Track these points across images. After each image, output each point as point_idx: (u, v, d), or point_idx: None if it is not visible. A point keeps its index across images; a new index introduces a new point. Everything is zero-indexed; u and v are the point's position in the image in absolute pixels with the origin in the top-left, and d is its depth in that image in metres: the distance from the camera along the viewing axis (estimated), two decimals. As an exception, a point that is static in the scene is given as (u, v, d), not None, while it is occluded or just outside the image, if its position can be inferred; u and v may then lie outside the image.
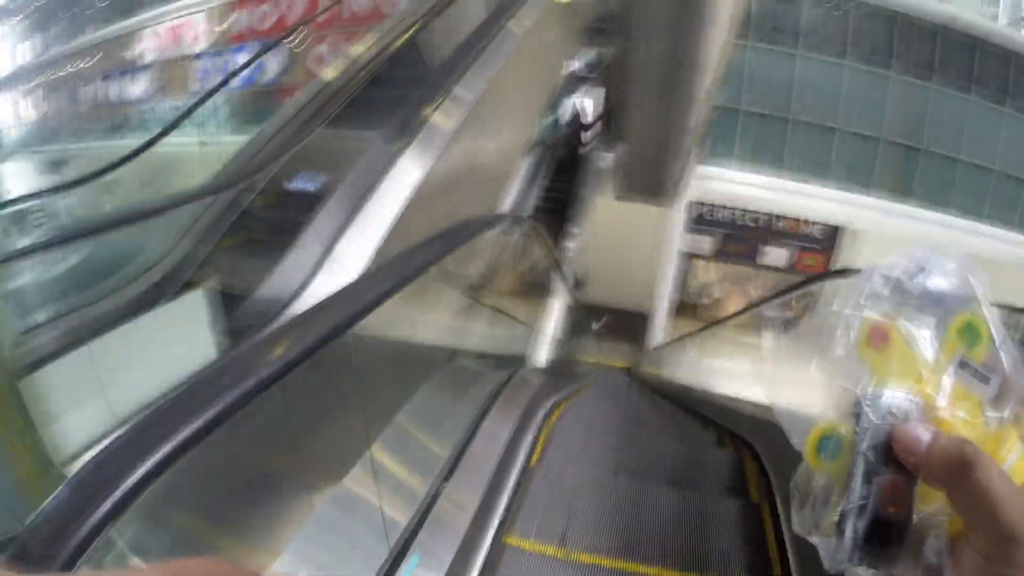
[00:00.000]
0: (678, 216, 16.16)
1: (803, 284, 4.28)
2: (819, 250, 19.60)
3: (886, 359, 0.45)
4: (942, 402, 0.43)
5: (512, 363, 5.13)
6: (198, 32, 15.94)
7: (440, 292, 3.32)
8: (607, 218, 17.88)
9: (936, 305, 0.46)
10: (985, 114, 17.53)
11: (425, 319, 3.28)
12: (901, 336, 0.45)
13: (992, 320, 0.45)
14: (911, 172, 17.53)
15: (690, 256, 19.89)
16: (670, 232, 16.47)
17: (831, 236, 19.36)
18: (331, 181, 4.11)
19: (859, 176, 17.22)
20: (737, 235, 19.66)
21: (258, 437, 1.62)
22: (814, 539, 0.45)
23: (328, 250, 3.52)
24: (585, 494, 3.01)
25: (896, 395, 0.43)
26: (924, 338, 0.45)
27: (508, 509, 2.86)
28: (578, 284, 14.26)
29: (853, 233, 19.01)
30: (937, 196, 17.50)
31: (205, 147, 5.39)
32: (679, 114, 10.21)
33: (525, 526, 2.79)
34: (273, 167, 4.31)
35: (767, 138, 17.08)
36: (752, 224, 19.48)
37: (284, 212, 4.56)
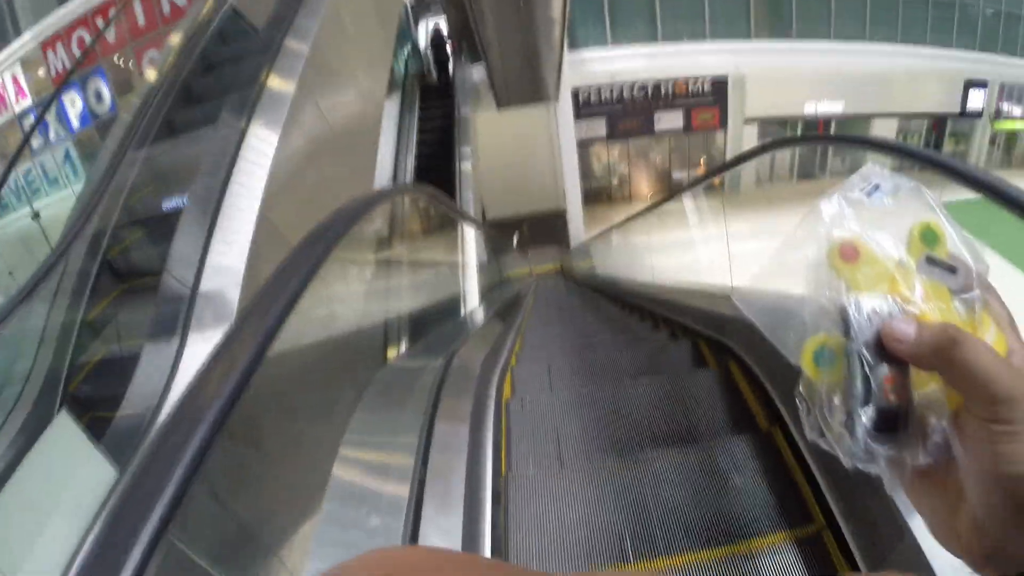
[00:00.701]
0: (565, 108, 15.62)
1: (729, 166, 3.90)
2: (711, 103, 19.72)
3: (859, 269, 0.47)
4: (917, 297, 0.46)
5: (450, 309, 4.93)
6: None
7: (349, 277, 2.87)
8: (495, 130, 17.43)
9: (895, 216, 0.49)
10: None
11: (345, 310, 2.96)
12: (869, 247, 0.48)
13: (947, 221, 0.48)
14: (786, 6, 17.26)
15: (587, 143, 19.59)
16: (562, 126, 15.96)
17: (720, 88, 19.35)
18: (180, 200, 3.55)
19: (735, 22, 16.88)
20: (628, 110, 19.50)
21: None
22: (827, 441, 0.47)
23: (196, 287, 2.95)
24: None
25: (875, 297, 0.46)
26: (890, 245, 0.48)
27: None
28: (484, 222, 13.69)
29: (739, 80, 19.02)
30: (816, 27, 17.38)
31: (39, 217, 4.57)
32: (540, 9, 9.54)
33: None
34: (101, 208, 3.62)
35: (634, 5, 16.42)
36: (641, 95, 19.33)
37: (145, 251, 3.95)
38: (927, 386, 0.45)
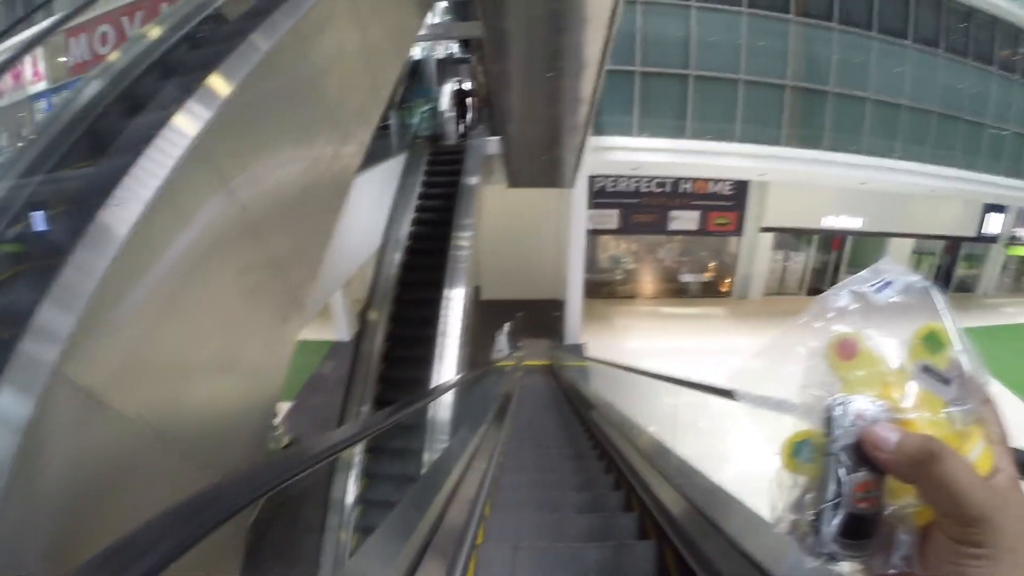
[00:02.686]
0: (580, 194, 14.53)
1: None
2: (729, 208, 18.87)
3: (854, 368, 0.48)
4: (908, 404, 0.46)
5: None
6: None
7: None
8: (502, 206, 16.47)
9: (901, 317, 0.49)
10: (889, 50, 16.78)
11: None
12: (868, 346, 0.48)
13: (953, 328, 0.48)
14: (818, 116, 16.56)
15: (596, 233, 18.64)
16: (572, 212, 14.84)
17: (740, 192, 18.57)
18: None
19: (766, 127, 16.10)
20: (643, 204, 18.59)
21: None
22: (792, 537, 0.47)
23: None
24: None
25: (863, 400, 0.46)
26: (890, 347, 0.48)
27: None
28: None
29: (761, 186, 18.27)
30: (848, 140, 16.75)
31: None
32: (570, 82, 8.51)
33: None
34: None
35: (666, 98, 15.62)
36: (658, 190, 18.48)
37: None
38: (902, 497, 0.45)
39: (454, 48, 18.68)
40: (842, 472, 0.45)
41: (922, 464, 0.41)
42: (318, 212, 3.21)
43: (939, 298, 0.48)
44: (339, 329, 15.56)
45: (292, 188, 2.77)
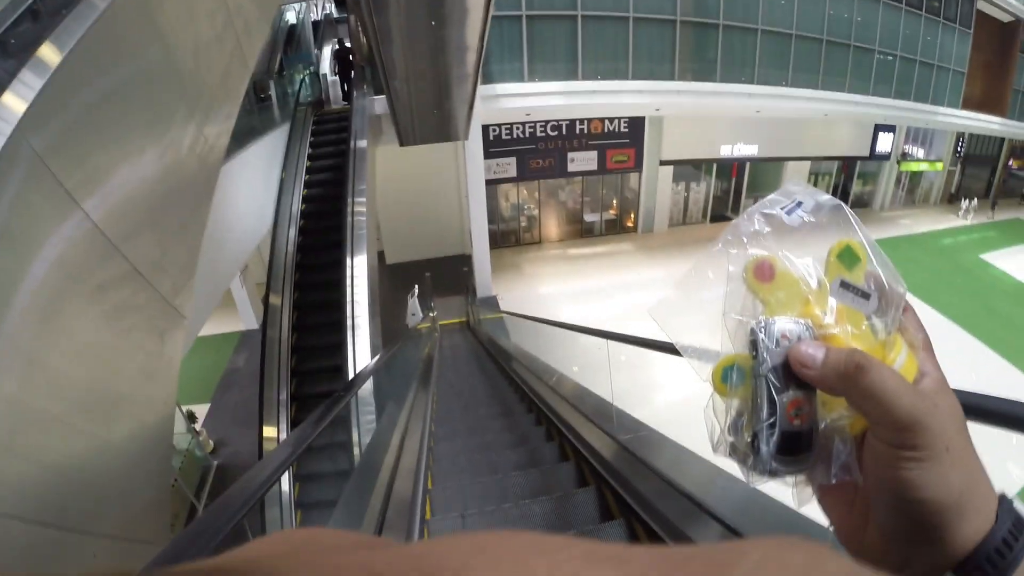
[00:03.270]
0: (475, 145, 14.18)
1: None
2: (626, 145, 18.94)
3: (774, 290, 0.47)
4: (830, 320, 0.46)
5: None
6: None
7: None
8: (397, 166, 16.01)
9: (815, 235, 0.49)
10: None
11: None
12: (785, 267, 0.48)
13: (866, 242, 0.48)
14: (710, 50, 16.77)
15: (495, 182, 18.40)
16: (469, 164, 14.49)
17: (637, 129, 18.64)
18: None
19: (658, 63, 16.15)
20: (540, 149, 18.41)
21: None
22: (732, 460, 0.48)
23: None
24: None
25: (786, 321, 0.46)
26: (807, 266, 0.48)
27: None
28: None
29: (657, 121, 18.43)
30: (740, 72, 17.05)
31: None
32: (455, 31, 8.12)
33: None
34: None
35: (555, 41, 15.38)
36: (554, 134, 18.31)
37: None
38: (835, 410, 0.46)
39: (330, 8, 18.01)
40: (773, 392, 0.45)
41: (849, 377, 0.42)
42: (184, 204, 2.81)
43: (850, 214, 0.49)
44: (245, 317, 14.77)
45: (147, 181, 2.38)
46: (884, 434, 0.41)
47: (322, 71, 13.86)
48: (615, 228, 20.91)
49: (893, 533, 0.42)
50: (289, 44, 14.99)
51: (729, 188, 22.03)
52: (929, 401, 0.42)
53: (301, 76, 13.14)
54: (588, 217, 20.73)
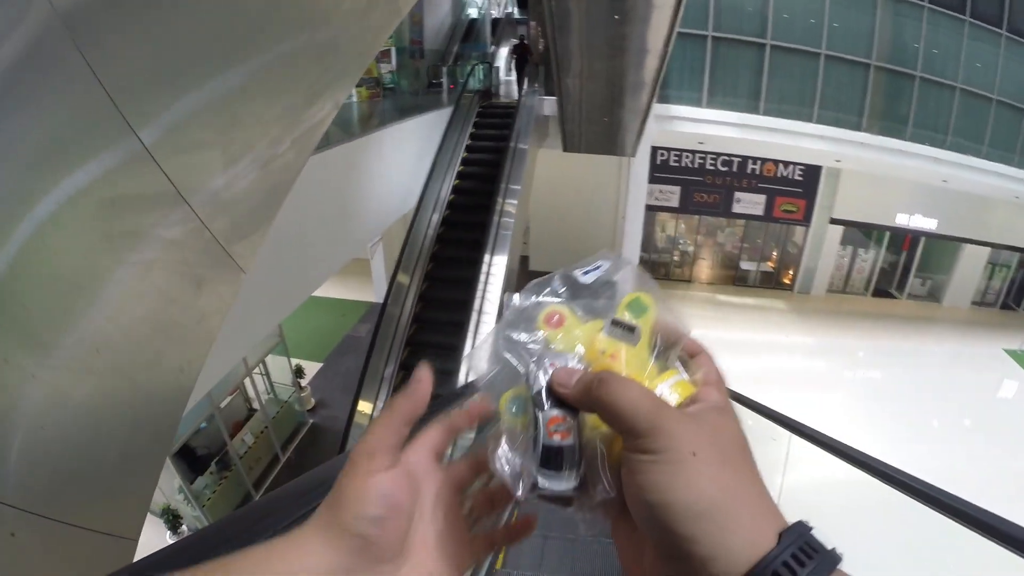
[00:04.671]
0: (640, 166, 13.54)
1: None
2: (798, 194, 17.54)
3: (560, 332, 0.53)
4: (599, 351, 0.51)
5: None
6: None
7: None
8: (556, 173, 15.57)
9: (609, 291, 0.55)
10: (981, 37, 15.15)
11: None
12: (573, 315, 0.54)
13: (657, 295, 0.54)
14: (902, 103, 15.16)
15: (655, 209, 17.57)
16: (632, 184, 13.90)
17: (811, 178, 17.19)
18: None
19: (845, 109, 14.79)
20: (707, 183, 17.46)
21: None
22: (509, 478, 0.50)
23: None
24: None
25: (557, 354, 0.51)
26: (596, 313, 0.54)
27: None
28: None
29: (834, 174, 16.88)
30: (933, 133, 15.20)
31: None
32: (638, 28, 7.52)
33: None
34: None
35: (739, 68, 14.48)
36: (723, 169, 17.27)
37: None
38: (597, 429, 0.49)
39: (513, 8, 18.41)
40: (537, 411, 0.49)
41: (591, 390, 0.45)
42: (268, 136, 2.24)
43: (646, 275, 0.55)
44: (379, 291, 15.09)
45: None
46: (629, 442, 0.43)
47: (497, 64, 14.04)
48: (770, 282, 19.40)
49: (657, 547, 0.42)
50: (468, 37, 15.59)
51: (897, 263, 19.65)
52: (674, 411, 0.44)
53: (474, 64, 13.25)
54: (744, 265, 19.42)
